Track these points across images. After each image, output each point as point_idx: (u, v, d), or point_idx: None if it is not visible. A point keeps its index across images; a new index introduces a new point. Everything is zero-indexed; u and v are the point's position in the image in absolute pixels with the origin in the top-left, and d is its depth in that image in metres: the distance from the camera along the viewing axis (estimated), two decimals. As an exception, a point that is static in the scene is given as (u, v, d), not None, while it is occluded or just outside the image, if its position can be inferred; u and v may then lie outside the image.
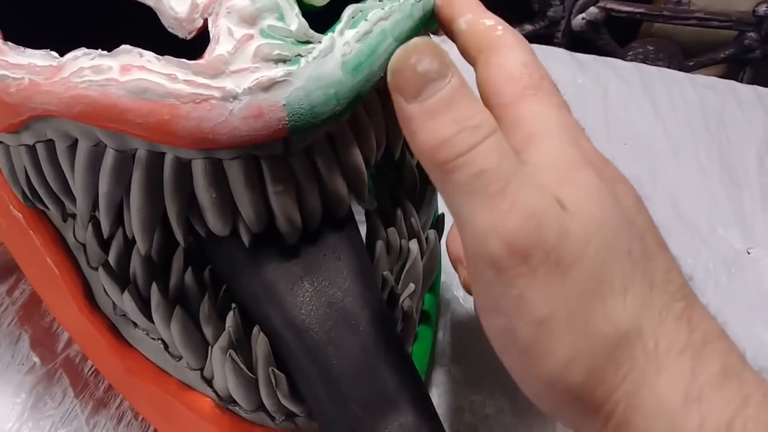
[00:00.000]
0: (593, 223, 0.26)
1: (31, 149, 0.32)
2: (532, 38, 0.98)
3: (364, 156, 0.32)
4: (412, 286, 0.35)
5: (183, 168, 0.29)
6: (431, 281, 0.39)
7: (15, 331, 0.45)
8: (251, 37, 0.27)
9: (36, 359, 0.44)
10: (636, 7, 0.99)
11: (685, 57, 1.01)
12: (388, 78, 0.27)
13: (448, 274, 0.50)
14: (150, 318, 0.34)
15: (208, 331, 0.33)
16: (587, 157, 0.28)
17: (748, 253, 0.55)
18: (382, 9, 0.31)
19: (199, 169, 0.29)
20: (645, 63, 0.97)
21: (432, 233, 0.38)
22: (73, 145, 0.30)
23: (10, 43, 0.30)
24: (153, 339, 0.36)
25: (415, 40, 0.26)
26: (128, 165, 0.29)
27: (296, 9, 0.29)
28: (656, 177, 0.61)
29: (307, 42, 0.28)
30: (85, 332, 0.38)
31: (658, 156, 0.63)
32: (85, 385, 0.43)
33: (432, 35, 0.38)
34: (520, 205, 0.25)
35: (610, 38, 1.00)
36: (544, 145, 0.28)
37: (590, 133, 0.63)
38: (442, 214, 0.40)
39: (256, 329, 0.32)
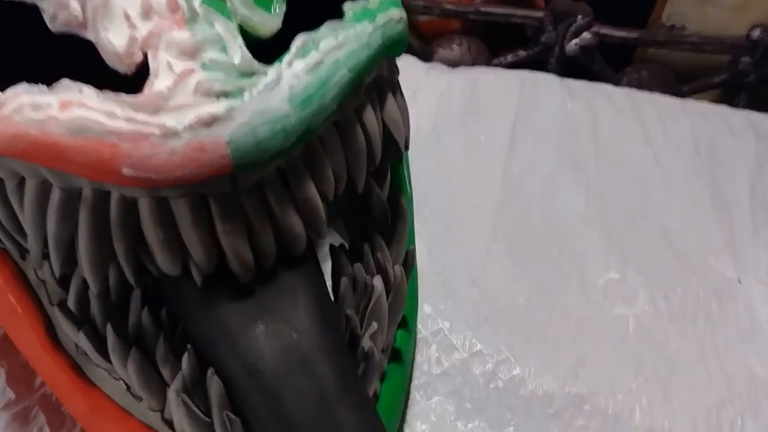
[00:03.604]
0: None
1: (-17, 187, 0.31)
2: (526, 64, 0.98)
3: (321, 191, 0.31)
4: (375, 325, 0.34)
5: (129, 207, 0.28)
6: (398, 318, 0.38)
7: (-9, 366, 0.44)
8: (192, 71, 0.27)
9: (12, 395, 0.43)
10: (630, 32, 0.98)
11: (679, 82, 1.00)
12: None
13: (434, 304, 0.49)
14: (108, 358, 0.33)
15: (165, 372, 0.32)
16: None
17: (739, 282, 0.53)
18: (336, 38, 0.30)
19: (145, 207, 0.28)
20: (639, 88, 0.96)
21: (398, 269, 0.37)
22: (22, 183, 0.30)
23: (-47, 82, 0.29)
24: (115, 379, 0.35)
25: None
26: (75, 204, 0.29)
27: (240, 40, 0.28)
28: (646, 204, 0.60)
29: (252, 75, 0.27)
30: (49, 370, 0.37)
31: (648, 183, 0.62)
32: (62, 423, 0.42)
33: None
34: None
35: (604, 63, 0.99)
36: None
37: (579, 160, 0.63)
38: (412, 249, 0.39)
39: (210, 371, 0.31)
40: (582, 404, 0.45)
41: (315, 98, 0.28)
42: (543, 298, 0.51)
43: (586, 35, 0.96)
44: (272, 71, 0.28)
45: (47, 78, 0.28)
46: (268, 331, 0.30)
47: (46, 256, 0.31)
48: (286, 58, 0.29)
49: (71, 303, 0.34)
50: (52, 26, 0.28)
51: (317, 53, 0.29)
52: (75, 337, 0.34)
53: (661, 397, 0.45)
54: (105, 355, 0.33)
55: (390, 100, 0.36)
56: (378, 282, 0.35)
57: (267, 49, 0.29)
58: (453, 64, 0.85)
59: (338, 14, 0.32)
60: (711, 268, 0.55)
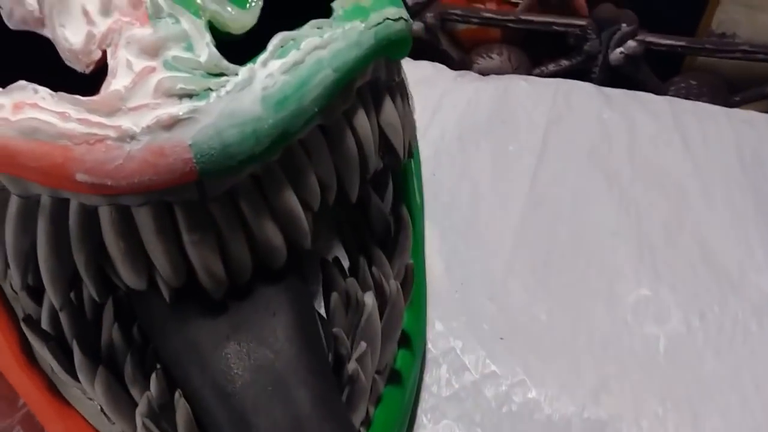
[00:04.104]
0: None
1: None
2: (569, 74, 0.95)
3: (303, 200, 0.29)
4: (363, 345, 0.31)
5: (89, 216, 0.26)
6: (394, 338, 0.35)
7: (-28, 385, 0.42)
8: (153, 69, 0.25)
9: (-7, 414, 0.41)
10: (677, 40, 0.93)
11: (730, 92, 0.95)
12: None
13: (447, 322, 0.46)
14: (77, 377, 0.31)
15: (135, 393, 0.30)
16: None
17: (782, 302, 0.49)
18: (320, 37, 0.28)
19: (105, 216, 0.26)
20: (688, 98, 0.92)
21: (393, 284, 0.34)
22: (-18, 191, 0.28)
23: None
24: (90, 399, 0.33)
25: None
26: (33, 212, 0.27)
27: (208, 38, 0.26)
28: (684, 218, 0.56)
29: (220, 75, 0.25)
30: (26, 389, 0.35)
31: (686, 195, 0.58)
32: (44, 446, 0.40)
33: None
34: None
35: (650, 73, 0.95)
36: None
37: (613, 171, 0.60)
38: (411, 264, 0.36)
39: (177, 394, 0.28)
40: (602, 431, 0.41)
41: (292, 100, 0.26)
42: (566, 316, 0.47)
43: (631, 43, 0.92)
44: (244, 71, 0.26)
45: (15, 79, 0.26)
46: (241, 350, 0.28)
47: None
48: (261, 57, 0.27)
49: (44, 318, 0.32)
50: (9, 23, 0.27)
51: (297, 52, 0.27)
52: (43, 353, 0.32)
53: (690, 424, 0.42)
54: (74, 373, 0.31)
55: (387, 104, 0.33)
56: (369, 298, 0.33)
57: (250, 53, 0.27)
58: (492, 74, 0.82)
59: (329, 14, 0.30)
60: (752, 285, 0.51)
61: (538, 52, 1.01)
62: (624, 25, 0.91)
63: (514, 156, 0.60)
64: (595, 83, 0.78)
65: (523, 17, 0.96)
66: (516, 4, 1.00)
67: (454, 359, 0.44)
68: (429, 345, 0.44)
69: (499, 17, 0.97)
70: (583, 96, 0.70)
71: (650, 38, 0.92)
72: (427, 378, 0.43)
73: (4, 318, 0.34)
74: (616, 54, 0.93)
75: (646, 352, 0.46)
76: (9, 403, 0.41)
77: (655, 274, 0.51)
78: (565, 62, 0.98)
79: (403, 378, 0.36)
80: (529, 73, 0.98)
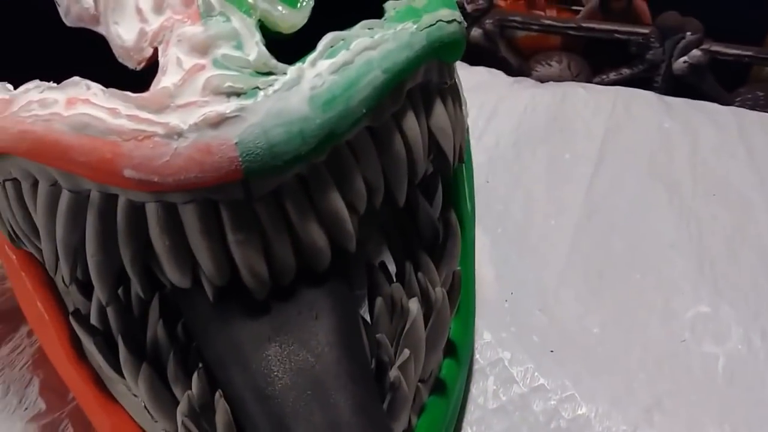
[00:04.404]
0: None
1: (2, 187, 0.30)
2: (630, 83, 0.93)
3: (349, 202, 0.29)
4: (406, 353, 0.31)
5: (136, 212, 0.26)
6: (439, 346, 0.34)
7: (27, 375, 0.43)
8: (202, 67, 0.25)
9: (43, 405, 0.42)
10: (744, 49, 0.91)
11: (800, 103, 0.92)
12: None
13: (496, 332, 0.45)
14: (122, 373, 0.31)
15: (177, 392, 0.30)
16: None
17: None
18: (371, 38, 0.28)
19: (152, 213, 0.26)
20: (754, 109, 0.90)
21: (440, 291, 0.33)
22: (36, 185, 0.28)
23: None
24: (135, 396, 0.33)
25: None
26: (83, 207, 0.27)
27: (257, 36, 0.26)
28: (746, 231, 0.55)
29: (269, 74, 0.25)
30: (75, 383, 0.35)
31: (750, 208, 0.57)
32: (91, 438, 0.41)
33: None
34: None
35: (715, 83, 0.93)
36: None
37: (673, 182, 0.58)
38: (458, 271, 0.36)
39: (218, 394, 0.28)
40: (655, 452, 0.40)
41: (340, 100, 0.26)
42: (619, 330, 0.46)
43: (695, 53, 0.90)
44: (293, 70, 0.26)
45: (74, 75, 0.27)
46: (282, 353, 0.28)
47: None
48: (311, 57, 0.26)
49: (93, 313, 0.32)
50: (66, 21, 0.27)
51: (347, 52, 0.27)
52: (90, 348, 0.32)
53: (748, 448, 0.40)
54: (119, 369, 0.31)
55: (438, 107, 0.33)
56: (414, 304, 0.32)
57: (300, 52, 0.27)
58: (551, 81, 0.81)
59: (381, 15, 0.30)
60: (816, 304, 0.49)
61: (598, 60, 0.99)
62: (689, 33, 0.89)
63: (570, 164, 0.59)
64: (657, 93, 0.76)
65: (584, 24, 0.95)
66: (577, 11, 0.99)
67: (502, 371, 0.43)
68: (476, 355, 0.44)
69: (560, 24, 0.96)
70: (643, 104, 0.68)
71: (716, 47, 0.89)
72: (474, 389, 0.42)
73: (56, 312, 0.35)
74: (680, 63, 0.91)
75: (703, 371, 0.44)
76: (59, 396, 0.42)
77: (715, 290, 0.49)
78: (626, 71, 0.96)
79: (448, 388, 0.35)
80: (589, 82, 0.96)
